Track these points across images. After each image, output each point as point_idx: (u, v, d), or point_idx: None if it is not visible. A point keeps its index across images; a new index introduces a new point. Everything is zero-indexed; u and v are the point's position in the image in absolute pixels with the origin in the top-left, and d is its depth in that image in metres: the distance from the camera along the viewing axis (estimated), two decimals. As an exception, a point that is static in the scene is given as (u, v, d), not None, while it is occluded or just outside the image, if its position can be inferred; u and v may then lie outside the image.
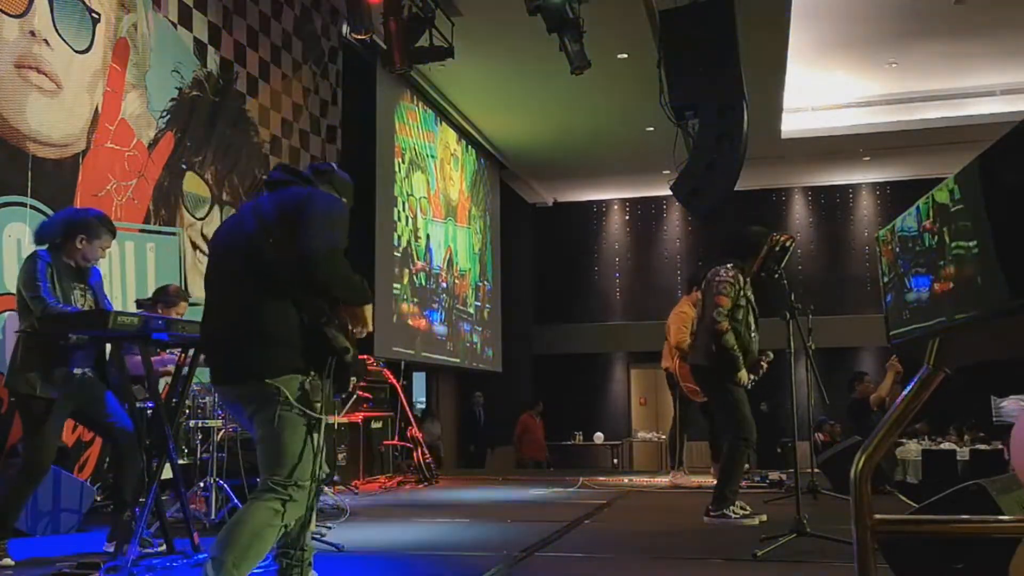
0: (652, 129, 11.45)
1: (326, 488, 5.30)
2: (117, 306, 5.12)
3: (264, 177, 3.07)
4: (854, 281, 15.02)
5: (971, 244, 1.06)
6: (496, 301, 14.02)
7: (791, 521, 4.15)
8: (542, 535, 4.53)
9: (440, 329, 11.41)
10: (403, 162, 10.29)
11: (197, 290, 6.05)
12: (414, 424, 8.01)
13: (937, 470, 7.39)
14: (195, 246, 6.68)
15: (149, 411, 4.13)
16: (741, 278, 5.01)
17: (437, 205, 11.48)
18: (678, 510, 5.83)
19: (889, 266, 1.37)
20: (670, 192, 7.34)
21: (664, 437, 13.27)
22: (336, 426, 7.00)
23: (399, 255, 10.06)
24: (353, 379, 2.74)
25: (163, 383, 4.44)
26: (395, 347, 9.66)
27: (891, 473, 7.26)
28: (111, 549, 3.70)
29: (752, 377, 5.05)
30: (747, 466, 8.17)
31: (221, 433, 5.04)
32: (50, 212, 5.22)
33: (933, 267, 1.18)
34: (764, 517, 4.96)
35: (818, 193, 15.71)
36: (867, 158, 13.98)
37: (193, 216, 6.68)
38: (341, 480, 6.98)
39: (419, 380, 12.35)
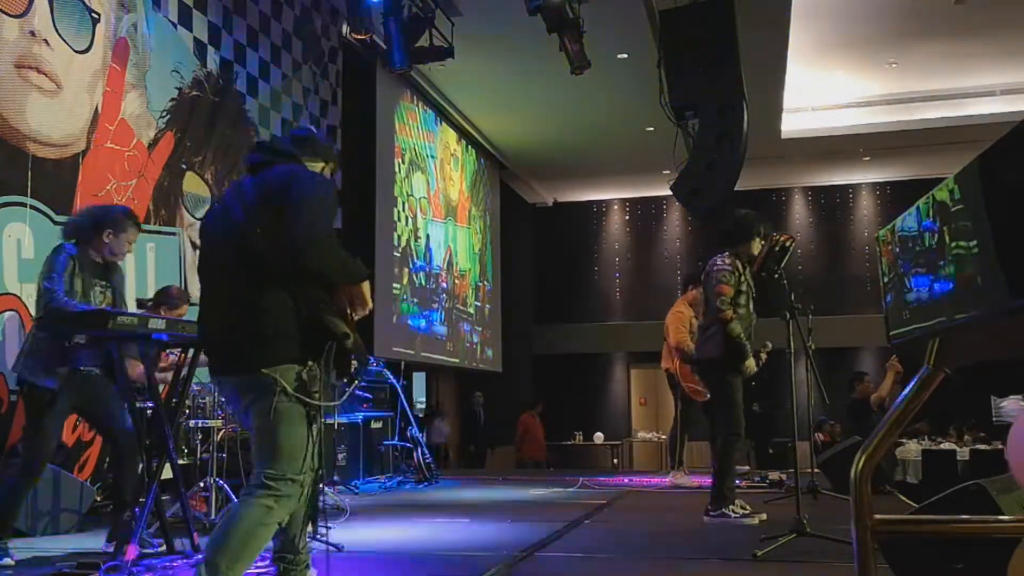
0: (652, 129, 11.45)
1: (327, 489, 5.29)
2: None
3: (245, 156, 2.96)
4: (854, 281, 15.02)
5: (971, 244, 1.06)
6: (496, 301, 14.02)
7: (791, 521, 4.15)
8: (542, 535, 4.53)
9: (440, 329, 11.41)
10: (403, 162, 10.29)
11: (197, 290, 6.04)
12: (414, 424, 8.01)
13: (937, 470, 7.39)
14: (195, 246, 6.67)
15: (149, 411, 4.13)
16: (739, 264, 5.02)
17: (437, 205, 11.48)
18: (678, 510, 5.82)
19: (889, 266, 1.37)
20: (670, 192, 7.35)
21: (664, 437, 13.28)
22: (336, 426, 7.01)
23: (399, 255, 10.07)
24: (355, 363, 2.66)
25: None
26: (395, 347, 9.67)
27: (891, 473, 7.26)
28: (111, 549, 3.70)
29: (754, 369, 5.07)
30: (747, 467, 8.17)
31: (221, 433, 5.04)
32: (50, 212, 5.23)
33: (933, 267, 1.18)
34: (764, 517, 4.96)
35: (818, 193, 15.71)
36: (867, 158, 13.98)
37: (193, 216, 6.67)
38: (341, 480, 6.98)
39: (419, 380, 12.35)
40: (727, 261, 4.99)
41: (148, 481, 3.57)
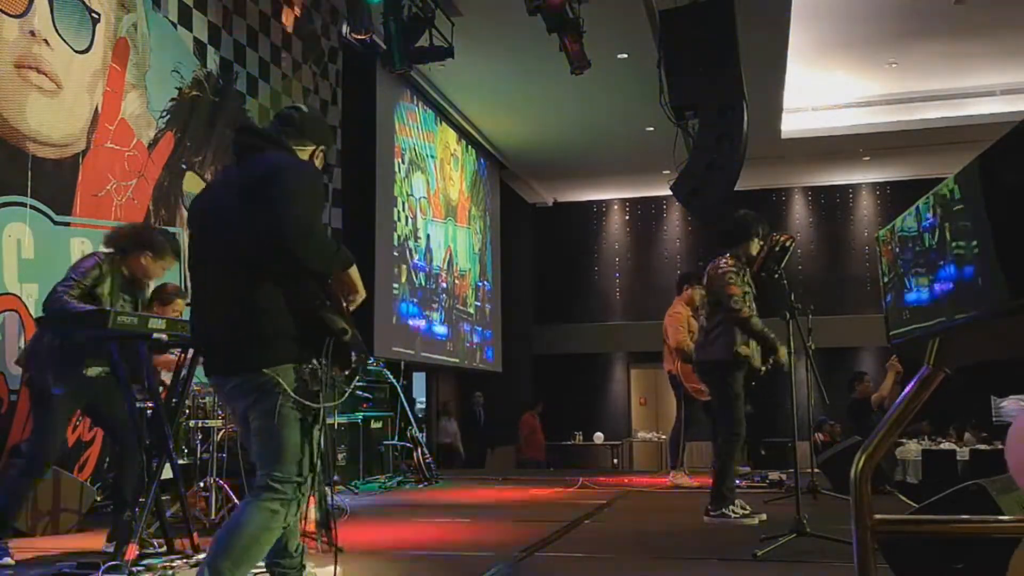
0: (652, 129, 11.46)
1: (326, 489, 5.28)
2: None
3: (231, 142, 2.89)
4: (854, 281, 15.02)
5: (971, 244, 1.06)
6: (496, 301, 14.02)
7: (791, 521, 4.15)
8: (542, 535, 4.52)
9: (440, 329, 11.41)
10: (403, 162, 10.29)
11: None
12: (414, 424, 8.01)
13: (937, 470, 7.39)
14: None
15: (149, 411, 4.13)
16: (740, 264, 5.03)
17: (437, 205, 11.48)
18: (678, 510, 5.82)
19: (889, 266, 1.37)
20: (670, 192, 7.34)
21: (664, 437, 13.27)
22: (336, 426, 7.01)
23: (398, 255, 10.07)
24: (355, 356, 2.60)
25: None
26: (395, 347, 9.67)
27: (891, 473, 7.26)
28: (111, 549, 3.70)
29: (765, 368, 5.07)
30: (747, 468, 8.16)
31: (221, 433, 5.04)
32: (50, 212, 5.23)
33: (933, 267, 1.18)
34: (764, 517, 4.96)
35: (818, 193, 15.71)
36: (867, 158, 13.99)
37: (193, 216, 6.67)
38: (341, 480, 6.98)
39: (419, 380, 12.35)
40: (730, 262, 5.00)
41: (148, 481, 3.57)
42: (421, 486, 7.62)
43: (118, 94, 5.91)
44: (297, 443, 2.48)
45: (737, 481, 5.75)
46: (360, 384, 7.23)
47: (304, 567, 2.77)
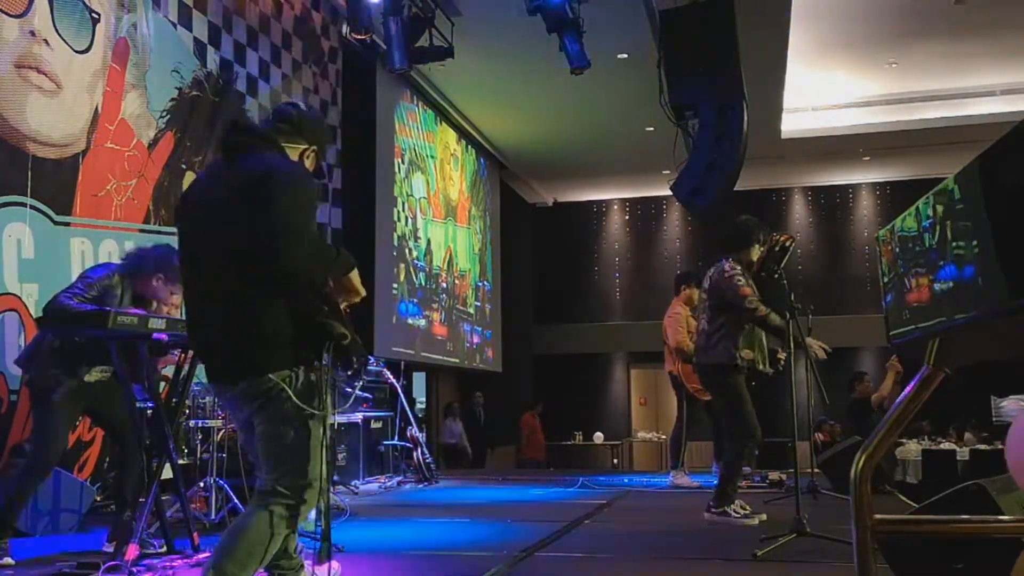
0: (652, 129, 11.45)
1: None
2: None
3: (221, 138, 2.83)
4: (854, 281, 15.02)
5: (971, 244, 1.06)
6: (496, 301, 14.02)
7: (791, 521, 4.15)
8: (542, 535, 4.53)
9: (440, 329, 11.41)
10: (403, 162, 10.29)
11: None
12: (414, 424, 8.00)
13: (937, 470, 7.40)
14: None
15: (149, 411, 4.13)
16: (741, 267, 5.03)
17: (437, 205, 11.48)
18: (678, 510, 5.82)
19: (889, 266, 1.37)
20: (670, 192, 7.35)
21: (664, 437, 13.27)
22: (336, 426, 7.00)
23: (398, 255, 10.07)
24: (356, 357, 2.55)
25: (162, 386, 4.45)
26: (395, 347, 9.67)
27: (891, 473, 7.26)
28: (111, 549, 3.70)
29: (771, 370, 5.07)
30: (747, 469, 8.17)
31: (221, 433, 5.04)
32: (50, 212, 5.23)
33: (933, 267, 1.18)
34: (764, 517, 4.96)
35: (818, 193, 15.71)
36: (867, 158, 13.99)
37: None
38: (341, 480, 6.98)
39: (419, 380, 12.35)
40: (735, 265, 5.00)
41: (148, 481, 3.56)
42: (421, 486, 7.63)
43: (118, 94, 5.91)
44: (304, 447, 2.45)
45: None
46: (361, 383, 7.23)
47: (303, 567, 2.76)
